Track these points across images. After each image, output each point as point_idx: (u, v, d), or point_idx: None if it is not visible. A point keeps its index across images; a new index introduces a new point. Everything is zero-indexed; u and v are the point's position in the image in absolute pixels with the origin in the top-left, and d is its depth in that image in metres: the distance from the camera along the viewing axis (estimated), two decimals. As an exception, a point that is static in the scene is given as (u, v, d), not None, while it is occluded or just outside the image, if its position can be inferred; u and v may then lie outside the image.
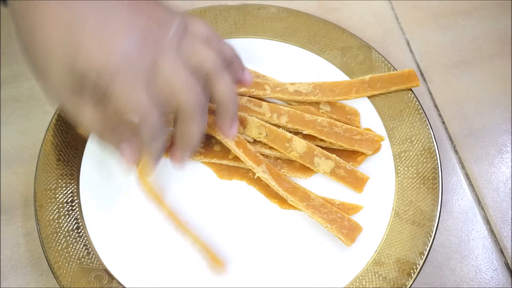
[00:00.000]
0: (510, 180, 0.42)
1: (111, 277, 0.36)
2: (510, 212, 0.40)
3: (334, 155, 0.40)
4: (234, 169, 0.41)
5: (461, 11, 0.50)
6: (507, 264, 0.38)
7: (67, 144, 0.40)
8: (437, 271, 0.38)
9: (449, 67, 0.45)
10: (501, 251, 0.39)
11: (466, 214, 0.40)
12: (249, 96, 0.42)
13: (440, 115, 0.44)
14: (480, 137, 0.43)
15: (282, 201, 0.39)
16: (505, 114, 0.44)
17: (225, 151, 0.40)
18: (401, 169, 0.40)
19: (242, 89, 0.41)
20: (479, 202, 0.41)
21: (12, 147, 0.42)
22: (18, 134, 0.43)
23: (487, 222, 0.40)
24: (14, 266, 0.38)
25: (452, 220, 0.40)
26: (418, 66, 0.47)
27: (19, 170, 0.41)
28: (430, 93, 0.45)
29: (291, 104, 0.43)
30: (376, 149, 0.40)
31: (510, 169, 0.42)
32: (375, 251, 0.37)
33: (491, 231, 0.40)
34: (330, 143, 0.40)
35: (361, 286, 0.35)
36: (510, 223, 0.40)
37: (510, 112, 0.44)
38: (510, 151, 0.43)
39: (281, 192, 0.38)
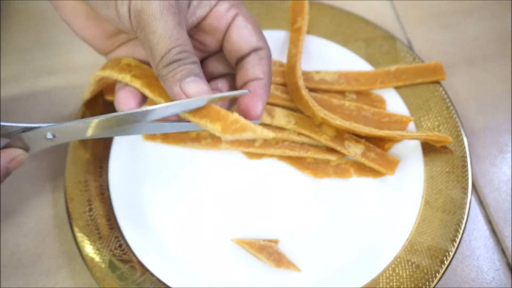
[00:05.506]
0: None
1: (144, 268, 0.36)
2: None
3: (363, 140, 0.40)
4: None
5: (462, 10, 0.49)
6: (508, 265, 0.38)
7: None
8: (438, 271, 0.38)
9: (450, 67, 0.44)
10: (503, 251, 0.39)
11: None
12: (275, 84, 0.42)
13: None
14: (481, 137, 0.43)
15: (316, 171, 0.39)
16: (506, 114, 0.44)
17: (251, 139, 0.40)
18: (429, 158, 0.40)
19: None
20: (480, 202, 0.41)
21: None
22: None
23: (489, 222, 0.40)
24: (14, 266, 0.38)
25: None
26: (419, 66, 0.47)
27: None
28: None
29: (316, 92, 0.43)
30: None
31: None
32: (407, 239, 0.37)
33: (493, 231, 0.39)
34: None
35: (394, 274, 0.35)
36: (512, 223, 0.40)
37: (511, 111, 0.44)
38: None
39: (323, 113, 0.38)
